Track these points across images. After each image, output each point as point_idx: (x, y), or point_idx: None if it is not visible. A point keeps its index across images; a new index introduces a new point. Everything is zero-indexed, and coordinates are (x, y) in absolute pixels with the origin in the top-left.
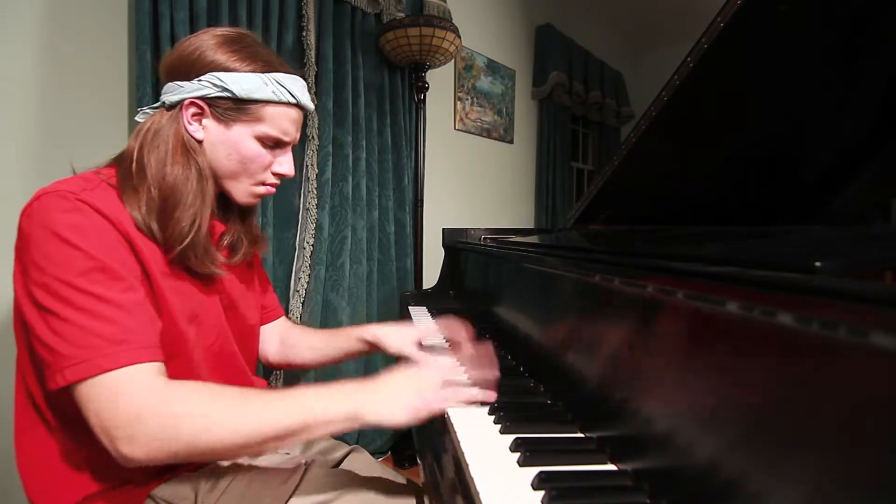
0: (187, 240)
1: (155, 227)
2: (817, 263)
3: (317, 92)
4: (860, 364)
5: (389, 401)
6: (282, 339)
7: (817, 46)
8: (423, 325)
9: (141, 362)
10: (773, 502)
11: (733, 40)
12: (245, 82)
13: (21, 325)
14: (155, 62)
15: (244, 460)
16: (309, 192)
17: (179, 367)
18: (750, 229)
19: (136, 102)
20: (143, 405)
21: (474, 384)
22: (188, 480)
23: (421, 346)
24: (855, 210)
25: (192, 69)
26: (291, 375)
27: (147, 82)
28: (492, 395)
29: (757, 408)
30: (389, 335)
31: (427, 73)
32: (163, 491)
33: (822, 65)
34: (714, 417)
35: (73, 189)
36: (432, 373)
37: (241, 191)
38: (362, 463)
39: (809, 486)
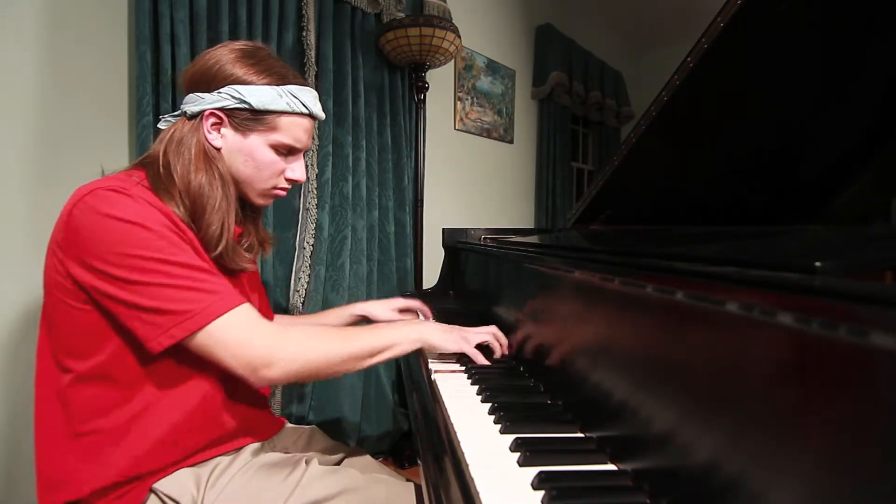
0: (223, 242)
1: (193, 225)
2: (817, 263)
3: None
4: (860, 364)
5: (444, 333)
6: None
7: (817, 46)
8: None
9: (245, 303)
10: (772, 502)
11: (733, 40)
12: (261, 94)
13: (50, 315)
14: (155, 62)
15: (246, 457)
16: (309, 192)
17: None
18: (750, 229)
19: (136, 103)
20: (273, 336)
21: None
22: (190, 476)
23: (401, 311)
24: (855, 210)
25: (212, 82)
26: None
27: (147, 82)
28: (483, 360)
29: (756, 408)
30: (375, 307)
31: (427, 73)
32: (165, 485)
33: (822, 65)
34: (713, 417)
35: (122, 185)
36: (472, 330)
37: (256, 193)
38: (362, 463)
39: (809, 485)
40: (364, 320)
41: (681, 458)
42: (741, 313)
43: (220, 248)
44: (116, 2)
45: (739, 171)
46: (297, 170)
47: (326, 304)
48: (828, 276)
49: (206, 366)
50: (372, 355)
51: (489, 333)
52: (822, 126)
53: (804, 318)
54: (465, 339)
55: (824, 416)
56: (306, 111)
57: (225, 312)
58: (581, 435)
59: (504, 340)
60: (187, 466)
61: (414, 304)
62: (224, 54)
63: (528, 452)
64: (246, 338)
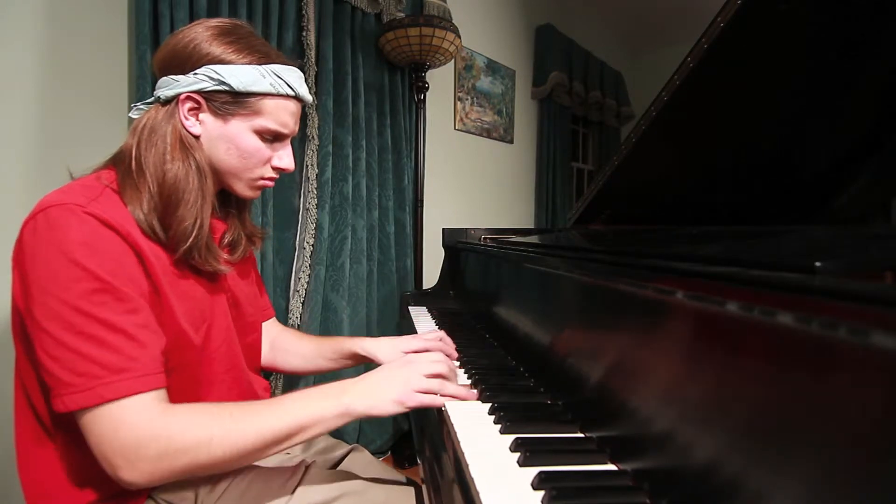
0: (191, 239)
1: (157, 226)
2: (817, 263)
3: (317, 92)
4: (860, 364)
5: (377, 393)
6: (272, 342)
7: (817, 46)
8: (423, 325)
9: (141, 392)
10: (772, 502)
11: (733, 40)
12: (242, 75)
13: (21, 334)
14: None
15: None
16: (309, 192)
17: (185, 375)
18: (750, 229)
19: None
20: (143, 434)
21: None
22: (189, 480)
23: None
24: (855, 210)
25: (187, 62)
26: (291, 378)
27: (147, 82)
28: (474, 394)
29: (757, 408)
30: (382, 348)
31: (427, 73)
32: (163, 491)
33: (821, 64)
34: (714, 417)
35: (79, 201)
36: (420, 365)
37: (242, 185)
38: (362, 463)
39: (809, 486)
40: (366, 361)
41: (681, 458)
42: (741, 313)
43: (188, 244)
44: (116, 2)
45: (739, 170)
46: (284, 157)
47: (326, 305)
48: (828, 276)
49: (202, 370)
50: (278, 442)
51: (438, 362)
52: (822, 126)
53: (804, 318)
54: (410, 395)
55: (824, 417)
56: (292, 93)
57: (109, 400)
58: (581, 435)
59: (452, 366)
60: None
61: (431, 344)
62: (200, 32)
63: (528, 452)
64: (113, 434)
